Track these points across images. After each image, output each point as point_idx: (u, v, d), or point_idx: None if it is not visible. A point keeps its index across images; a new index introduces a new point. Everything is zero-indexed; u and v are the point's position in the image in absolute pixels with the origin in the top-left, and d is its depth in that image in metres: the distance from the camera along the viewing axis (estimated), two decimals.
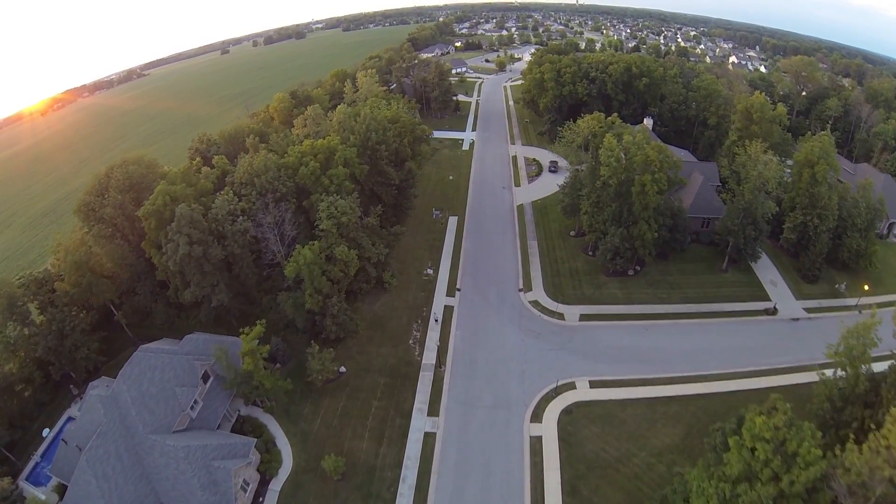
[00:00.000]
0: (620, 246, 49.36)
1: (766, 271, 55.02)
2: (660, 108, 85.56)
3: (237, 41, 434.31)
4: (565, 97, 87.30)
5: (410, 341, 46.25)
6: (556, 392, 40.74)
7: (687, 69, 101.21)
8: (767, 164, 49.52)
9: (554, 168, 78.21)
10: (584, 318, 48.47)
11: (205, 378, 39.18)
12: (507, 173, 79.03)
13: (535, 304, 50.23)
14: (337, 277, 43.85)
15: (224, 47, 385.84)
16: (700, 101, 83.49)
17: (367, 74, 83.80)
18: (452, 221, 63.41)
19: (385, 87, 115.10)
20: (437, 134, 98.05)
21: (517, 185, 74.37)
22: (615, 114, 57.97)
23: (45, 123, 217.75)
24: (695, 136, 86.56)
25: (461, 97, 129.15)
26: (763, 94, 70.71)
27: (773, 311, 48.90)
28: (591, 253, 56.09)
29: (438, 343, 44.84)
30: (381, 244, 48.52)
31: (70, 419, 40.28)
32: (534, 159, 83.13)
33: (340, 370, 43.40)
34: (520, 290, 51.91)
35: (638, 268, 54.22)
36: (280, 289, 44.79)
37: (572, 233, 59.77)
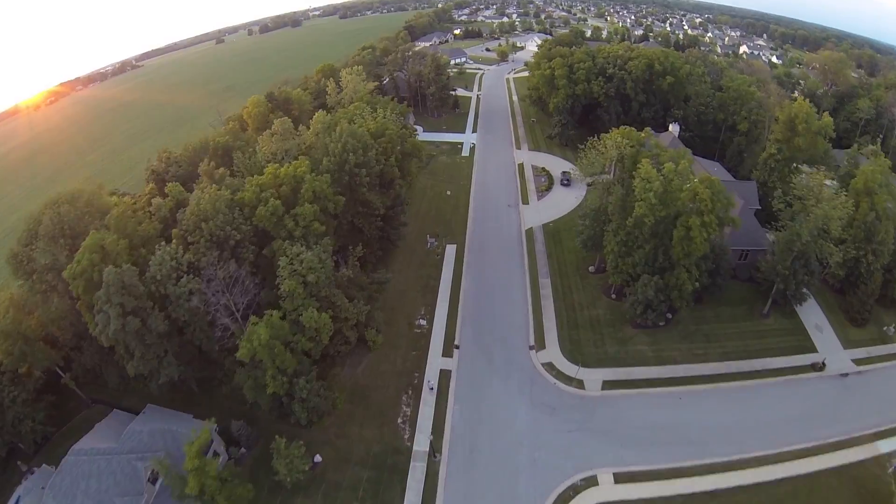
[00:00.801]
0: (654, 299, 38.69)
1: (811, 313, 45.65)
2: (684, 110, 72.63)
3: (233, 30, 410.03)
4: (579, 97, 74.08)
5: (399, 420, 36.17)
6: (575, 491, 31.29)
7: (710, 64, 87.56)
8: (832, 201, 38.50)
9: (566, 180, 66.11)
10: (607, 385, 38.53)
11: (153, 478, 30.85)
12: (512, 187, 66.78)
13: (550, 367, 39.88)
14: (306, 348, 33.54)
15: (219, 36, 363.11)
16: (729, 103, 70.72)
17: (353, 72, 70.46)
18: (450, 251, 51.95)
19: (377, 83, 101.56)
20: (434, 137, 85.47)
21: (525, 202, 62.27)
22: (647, 128, 45.64)
23: (37, 119, 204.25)
24: (722, 141, 74.15)
25: (460, 91, 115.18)
26: (807, 100, 58.39)
27: (821, 367, 40.30)
28: (613, 296, 45.31)
29: (432, 436, 34.55)
30: (361, 298, 37.74)
31: (20, 499, 32.51)
32: (543, 168, 70.65)
33: (315, 460, 33.62)
34: (531, 348, 41.38)
35: (669, 315, 43.59)
36: (238, 362, 34.49)
37: (591, 268, 48.64)
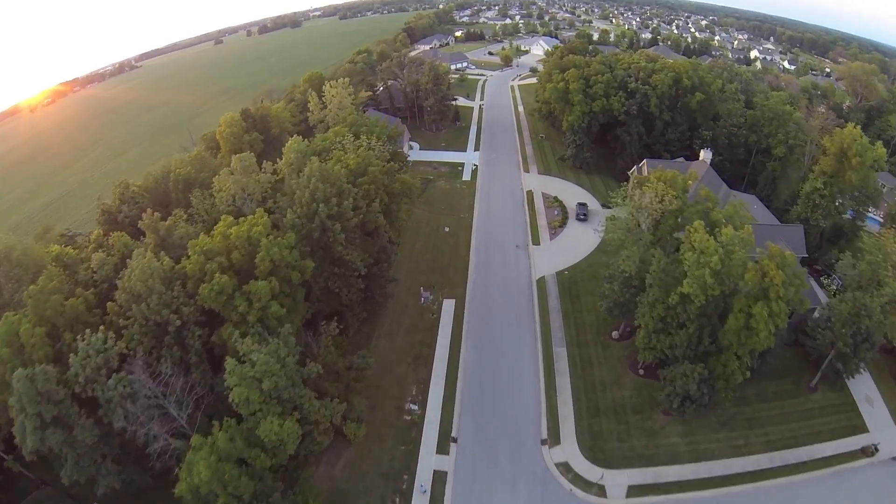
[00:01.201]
0: (696, 392, 30.41)
1: (861, 382, 38.36)
2: (713, 130, 63.25)
3: (234, 30, 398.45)
4: (596, 114, 64.11)
5: None
6: None
7: (736, 75, 78.04)
8: None
9: (583, 214, 56.15)
10: (633, 491, 30.58)
11: None
12: (521, 221, 57.00)
13: (565, 468, 31.51)
14: (266, 465, 25.46)
15: (218, 37, 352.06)
16: (763, 124, 61.55)
17: (339, 85, 61.06)
18: (448, 308, 42.94)
19: (370, 93, 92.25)
20: (431, 156, 76.31)
21: (535, 241, 52.54)
22: (693, 171, 36.36)
23: (33, 121, 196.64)
24: (752, 165, 64.98)
25: (461, 101, 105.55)
26: (857, 126, 49.75)
27: (872, 452, 33.27)
28: (641, 371, 36.84)
29: None
30: (338, 390, 29.28)
31: None
32: (555, 198, 60.89)
33: None
34: (543, 443, 32.90)
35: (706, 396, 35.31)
36: None
37: (615, 333, 39.91)
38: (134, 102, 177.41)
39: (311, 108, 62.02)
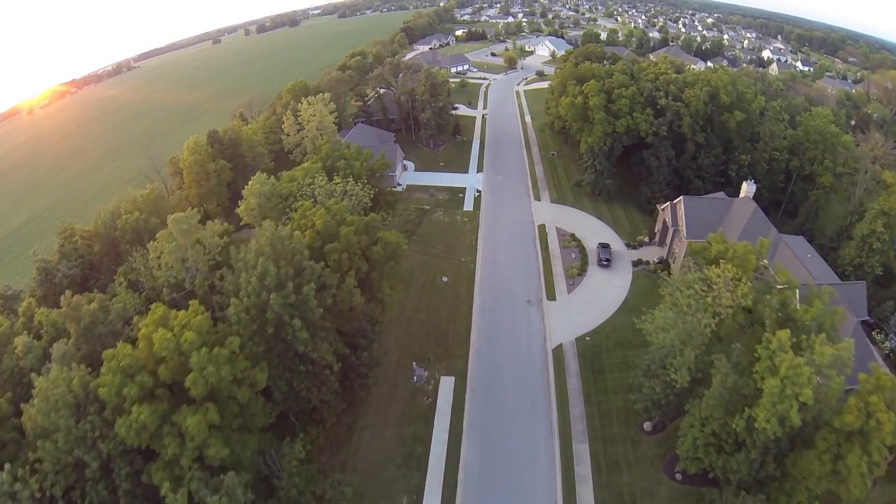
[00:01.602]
0: None
1: None
2: (752, 155, 54.23)
3: (233, 29, 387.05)
4: (620, 135, 54.19)
5: None
6: None
7: (767, 84, 68.80)
8: None
9: (606, 259, 46.22)
10: None
11: None
12: (532, 266, 47.47)
13: None
14: None
15: (216, 37, 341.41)
16: (808, 147, 52.67)
17: (318, 101, 52.09)
18: (446, 388, 34.52)
19: (361, 103, 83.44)
20: (428, 178, 67.58)
21: (550, 295, 43.13)
22: (763, 239, 27.36)
23: (28, 124, 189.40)
24: (792, 193, 56.11)
25: (462, 110, 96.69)
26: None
27: None
28: (679, 476, 28.87)
29: None
30: None
31: None
32: (572, 236, 51.23)
33: None
34: None
35: None
36: None
37: (647, 425, 31.78)
38: (124, 108, 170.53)
39: (285, 130, 53.30)
